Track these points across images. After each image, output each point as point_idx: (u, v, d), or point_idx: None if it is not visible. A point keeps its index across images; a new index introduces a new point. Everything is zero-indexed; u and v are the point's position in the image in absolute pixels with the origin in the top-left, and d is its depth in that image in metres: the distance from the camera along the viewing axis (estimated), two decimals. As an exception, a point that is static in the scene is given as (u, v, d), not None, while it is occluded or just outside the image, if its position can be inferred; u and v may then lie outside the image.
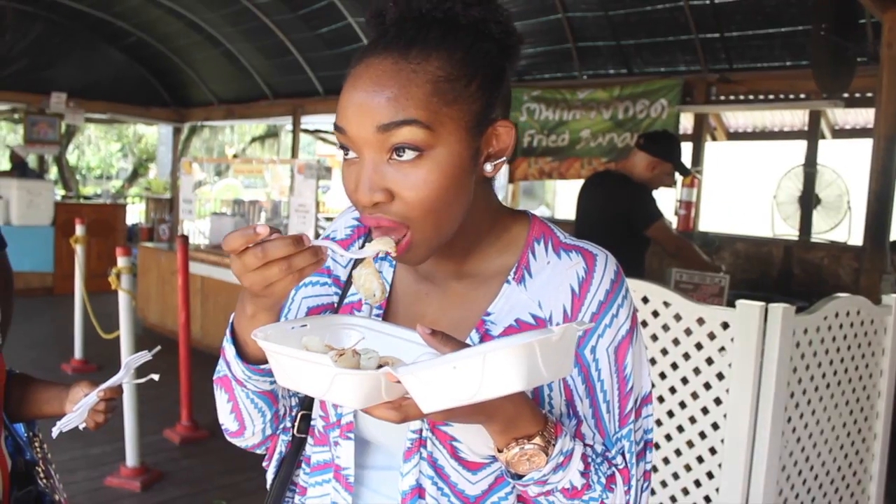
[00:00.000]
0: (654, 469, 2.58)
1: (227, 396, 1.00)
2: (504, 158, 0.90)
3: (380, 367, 0.80)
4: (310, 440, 1.03)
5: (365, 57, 0.85)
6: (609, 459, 0.91)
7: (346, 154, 0.87)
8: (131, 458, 3.76)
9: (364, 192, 0.84)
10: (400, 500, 0.92)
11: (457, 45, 0.85)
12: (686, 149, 5.89)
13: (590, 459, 0.87)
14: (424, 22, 0.86)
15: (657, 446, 2.58)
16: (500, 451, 0.82)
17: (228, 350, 0.94)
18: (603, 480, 0.87)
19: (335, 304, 1.03)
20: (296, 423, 1.03)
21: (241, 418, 1.01)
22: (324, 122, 10.80)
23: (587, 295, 0.92)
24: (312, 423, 1.02)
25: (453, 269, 0.97)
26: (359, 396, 0.75)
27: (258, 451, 1.08)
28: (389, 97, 0.81)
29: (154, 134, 18.68)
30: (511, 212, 0.99)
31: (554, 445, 0.82)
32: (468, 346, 0.80)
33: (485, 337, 0.93)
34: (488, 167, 0.89)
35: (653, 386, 0.96)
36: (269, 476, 1.07)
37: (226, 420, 1.02)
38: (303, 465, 1.04)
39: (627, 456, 0.92)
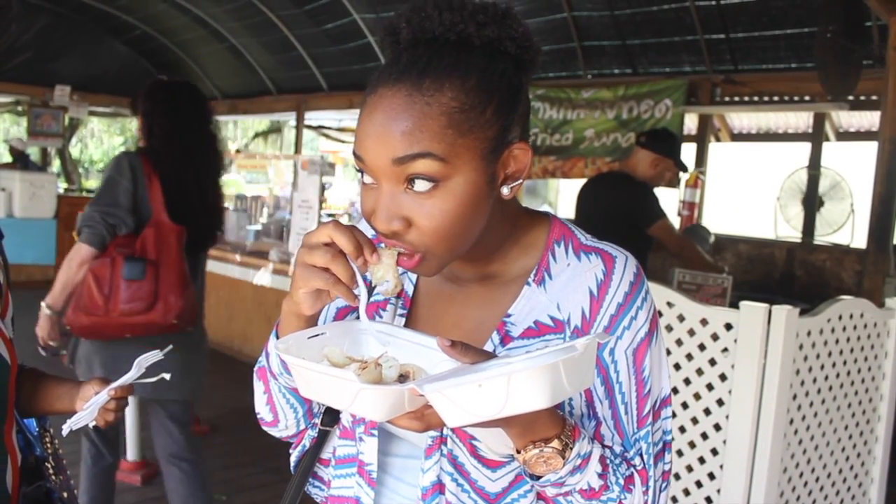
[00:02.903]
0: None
1: (263, 387, 1.03)
2: (521, 181, 0.90)
3: (400, 375, 0.82)
4: (337, 432, 1.05)
5: (379, 86, 0.85)
6: (628, 460, 0.92)
7: (363, 178, 0.88)
8: (132, 453, 3.76)
9: (382, 221, 0.85)
10: (420, 495, 0.94)
11: (470, 70, 0.84)
12: (690, 149, 5.90)
13: (608, 461, 0.88)
14: (437, 46, 0.85)
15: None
16: (518, 452, 0.84)
17: (271, 341, 0.97)
18: (621, 481, 0.89)
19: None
20: (321, 416, 1.05)
21: (276, 410, 1.04)
22: (328, 118, 10.78)
23: (605, 297, 0.92)
24: (340, 415, 1.04)
25: (475, 271, 0.98)
26: (383, 410, 0.76)
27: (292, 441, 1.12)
28: (404, 131, 0.82)
29: (157, 128, 18.64)
30: (531, 214, 1.00)
31: (571, 449, 0.83)
32: (488, 353, 0.82)
33: (505, 338, 0.94)
34: (505, 190, 0.89)
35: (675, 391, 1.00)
36: (292, 464, 1.09)
37: (261, 410, 1.05)
38: (331, 459, 1.06)
39: (645, 457, 0.93)
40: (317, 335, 0.89)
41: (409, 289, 1.03)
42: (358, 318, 1.03)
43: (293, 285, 0.87)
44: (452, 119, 0.82)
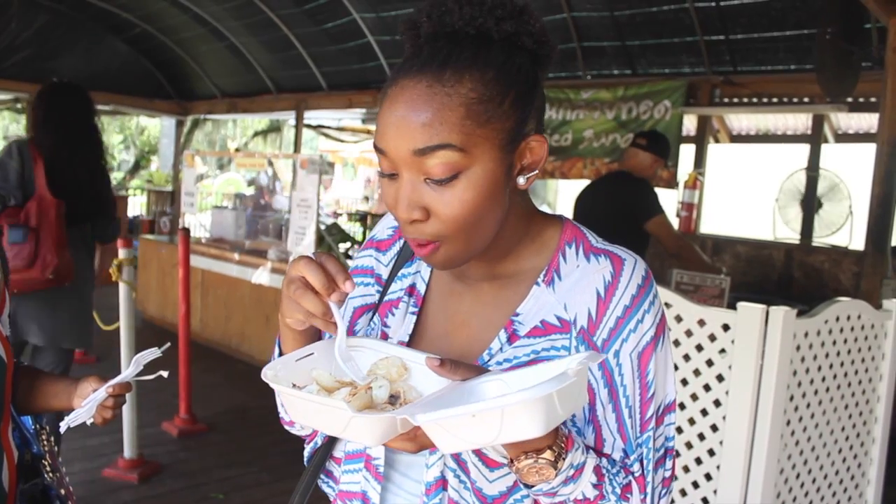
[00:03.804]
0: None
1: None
2: (536, 171, 0.91)
3: (391, 395, 0.82)
4: None
5: (400, 78, 0.87)
6: (626, 467, 0.91)
7: (384, 170, 0.89)
8: (129, 450, 3.76)
9: (403, 210, 0.87)
10: (424, 490, 0.95)
11: (489, 63, 0.86)
12: (689, 151, 5.91)
13: (604, 471, 0.87)
14: (457, 40, 0.87)
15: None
16: (511, 461, 0.84)
17: (275, 349, 1.00)
18: (618, 491, 0.88)
19: (376, 304, 1.07)
20: None
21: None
22: (327, 117, 10.78)
23: (612, 299, 0.92)
24: None
25: (487, 270, 0.99)
26: (375, 435, 0.77)
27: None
28: (424, 122, 0.83)
29: (157, 126, 18.67)
30: (545, 215, 1.01)
31: (564, 459, 0.82)
32: (479, 368, 0.82)
33: (512, 337, 0.94)
34: (521, 180, 0.91)
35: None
36: (305, 458, 1.11)
37: (280, 409, 1.07)
38: (342, 455, 1.07)
39: (645, 462, 0.92)
40: (305, 356, 0.89)
41: (422, 288, 1.04)
42: (374, 311, 1.04)
43: (280, 311, 0.90)
44: (471, 110, 0.84)
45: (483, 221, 0.88)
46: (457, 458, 0.93)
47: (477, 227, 0.88)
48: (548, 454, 0.81)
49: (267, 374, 0.84)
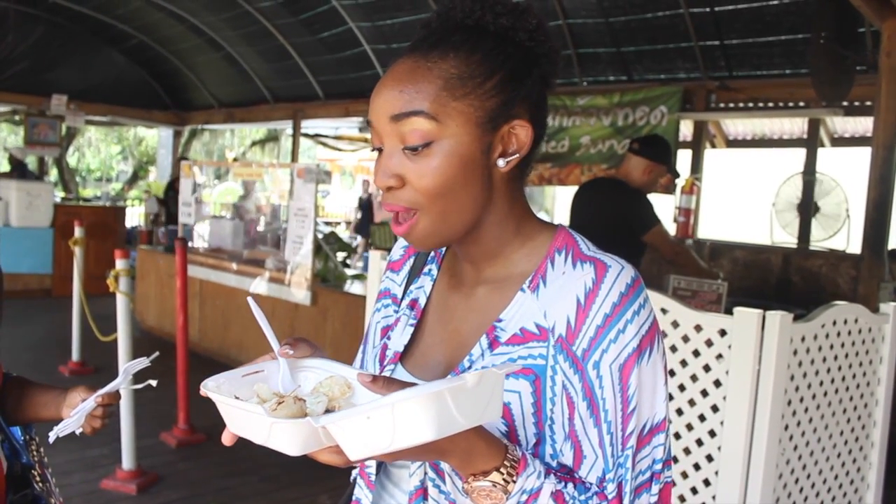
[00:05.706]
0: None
1: None
2: (518, 156, 0.92)
3: (327, 411, 0.82)
4: None
5: (398, 58, 0.92)
6: (600, 493, 0.87)
7: (373, 144, 0.93)
8: (127, 461, 3.75)
9: (380, 177, 0.91)
10: (407, 500, 0.95)
11: (477, 47, 0.90)
12: (685, 156, 5.91)
13: (567, 497, 0.83)
14: (454, 27, 0.92)
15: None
16: (464, 482, 0.82)
17: None
18: None
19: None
20: None
21: None
22: (324, 126, 10.80)
23: (592, 307, 0.88)
24: None
25: (478, 273, 1.00)
26: (296, 444, 0.77)
27: None
28: (402, 90, 0.88)
29: (154, 137, 18.69)
30: (539, 220, 1.01)
31: (514, 482, 0.80)
32: (413, 386, 0.79)
33: (493, 343, 0.93)
34: (501, 163, 0.92)
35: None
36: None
37: None
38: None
39: (623, 484, 0.87)
40: (254, 372, 0.91)
41: (423, 301, 1.05)
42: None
43: None
44: (449, 83, 0.88)
45: (457, 195, 0.90)
46: (436, 467, 0.92)
47: (450, 199, 0.89)
48: (495, 476, 0.79)
49: (207, 385, 0.84)
